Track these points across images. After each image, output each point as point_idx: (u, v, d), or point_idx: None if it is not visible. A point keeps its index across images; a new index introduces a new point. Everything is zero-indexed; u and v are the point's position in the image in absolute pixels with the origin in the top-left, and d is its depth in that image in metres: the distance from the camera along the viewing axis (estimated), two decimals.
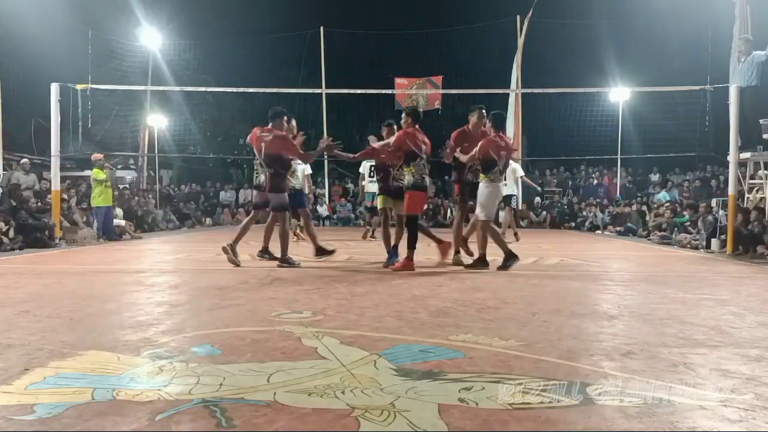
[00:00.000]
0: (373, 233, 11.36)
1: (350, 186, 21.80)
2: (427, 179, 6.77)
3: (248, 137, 6.88)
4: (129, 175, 19.79)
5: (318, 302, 4.34)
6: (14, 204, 9.79)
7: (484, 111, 6.84)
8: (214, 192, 21.22)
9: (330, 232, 14.63)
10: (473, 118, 6.86)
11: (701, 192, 15.72)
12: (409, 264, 6.44)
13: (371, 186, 10.85)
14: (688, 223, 11.55)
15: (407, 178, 6.48)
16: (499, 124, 6.83)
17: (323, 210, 18.49)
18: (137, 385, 2.38)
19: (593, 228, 16.00)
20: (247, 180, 22.67)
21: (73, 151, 13.65)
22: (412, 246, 6.45)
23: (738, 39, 9.80)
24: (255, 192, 7.11)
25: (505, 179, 11.99)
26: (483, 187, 6.51)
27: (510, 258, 6.54)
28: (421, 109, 7.47)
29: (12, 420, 1.99)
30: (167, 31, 18.92)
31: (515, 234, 11.56)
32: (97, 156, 11.56)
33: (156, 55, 18.49)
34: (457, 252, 7.03)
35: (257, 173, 6.91)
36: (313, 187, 12.54)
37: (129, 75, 17.26)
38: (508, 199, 11.52)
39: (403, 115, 6.77)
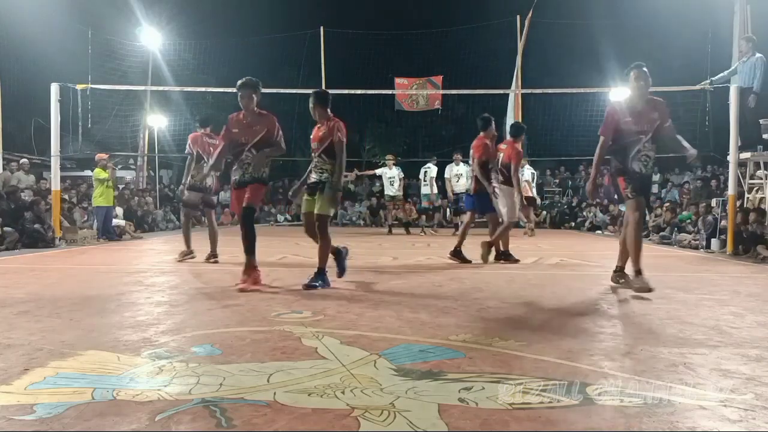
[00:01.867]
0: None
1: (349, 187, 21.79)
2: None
3: (189, 142, 7.46)
4: (129, 175, 19.79)
5: (318, 302, 4.34)
6: (13, 206, 9.79)
7: (644, 69, 5.05)
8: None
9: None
10: (632, 82, 5.04)
11: (701, 192, 15.72)
12: (251, 275, 5.04)
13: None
14: (689, 222, 11.56)
15: (264, 170, 5.31)
16: (517, 132, 7.57)
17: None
18: (137, 385, 2.38)
19: (593, 228, 16.01)
20: None
21: (73, 151, 13.65)
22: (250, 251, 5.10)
23: (741, 38, 9.78)
24: (192, 192, 7.41)
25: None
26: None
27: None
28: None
29: (12, 420, 1.99)
30: (167, 31, 18.92)
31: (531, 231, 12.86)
32: (101, 156, 11.56)
33: (156, 55, 18.49)
34: (636, 271, 4.97)
35: (203, 175, 7.24)
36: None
37: (129, 75, 17.27)
38: (533, 200, 12.34)
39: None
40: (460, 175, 13.08)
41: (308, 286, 5.01)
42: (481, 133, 7.32)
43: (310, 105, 5.29)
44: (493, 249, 7.33)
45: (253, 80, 5.26)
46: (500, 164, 7.26)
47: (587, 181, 5.82)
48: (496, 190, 7.17)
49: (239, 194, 5.23)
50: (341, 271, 5.47)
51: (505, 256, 7.40)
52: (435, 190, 14.35)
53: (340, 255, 5.48)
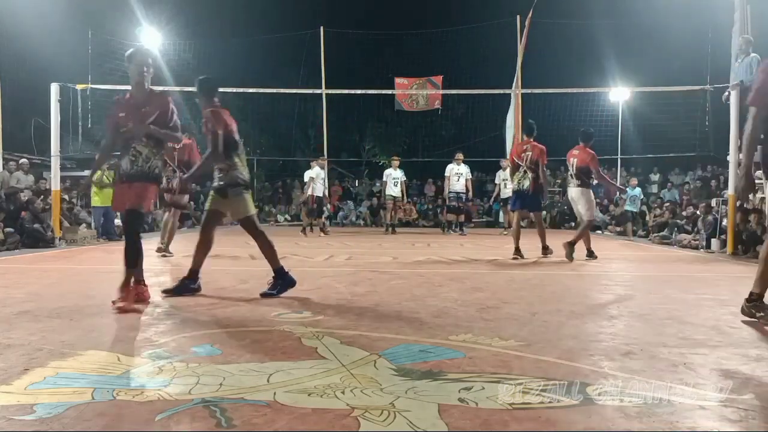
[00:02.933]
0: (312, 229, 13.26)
1: (350, 185, 21.79)
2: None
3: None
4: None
5: (318, 302, 4.33)
6: (12, 207, 9.80)
7: None
8: None
9: (329, 232, 14.62)
10: None
11: (701, 192, 15.72)
12: (130, 293, 4.09)
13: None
14: (686, 222, 11.56)
15: (155, 163, 4.29)
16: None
17: (327, 210, 18.50)
18: (137, 385, 2.38)
19: (593, 228, 16.01)
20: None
21: (73, 151, 13.66)
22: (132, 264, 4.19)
23: (740, 37, 9.79)
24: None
25: (506, 184, 13.03)
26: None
27: None
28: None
29: (12, 420, 1.99)
30: (167, 31, 18.92)
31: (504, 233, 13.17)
32: None
33: (156, 55, 18.49)
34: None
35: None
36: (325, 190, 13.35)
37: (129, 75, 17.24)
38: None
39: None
40: (460, 175, 13.30)
41: (265, 294, 4.55)
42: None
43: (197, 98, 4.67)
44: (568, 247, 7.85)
45: (148, 49, 4.58)
46: (575, 168, 7.92)
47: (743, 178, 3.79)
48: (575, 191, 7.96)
49: (124, 189, 4.19)
50: (278, 288, 4.60)
51: (589, 254, 7.99)
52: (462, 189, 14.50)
53: (283, 275, 4.66)
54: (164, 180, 7.47)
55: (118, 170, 4.26)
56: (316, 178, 12.82)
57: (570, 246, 7.64)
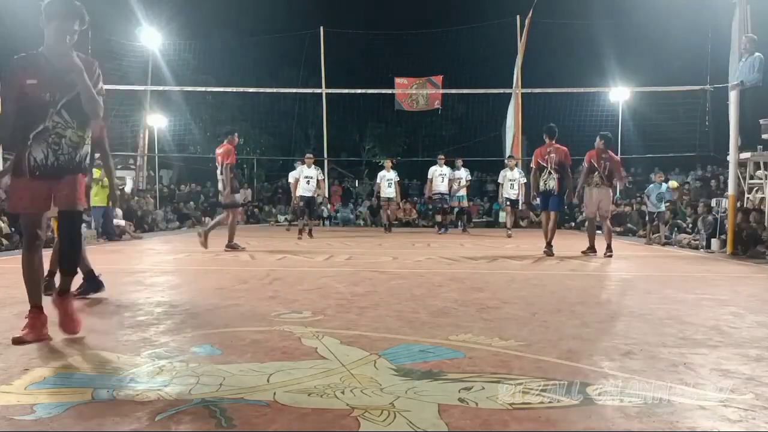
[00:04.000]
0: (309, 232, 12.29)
1: (350, 186, 21.78)
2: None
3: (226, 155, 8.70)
4: (129, 175, 19.80)
5: (318, 302, 4.33)
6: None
7: None
8: (214, 192, 21.22)
9: (329, 232, 14.63)
10: None
11: (701, 192, 15.72)
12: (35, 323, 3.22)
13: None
14: (688, 223, 11.53)
15: (85, 150, 3.39)
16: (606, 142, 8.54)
17: (326, 210, 18.50)
18: (137, 385, 2.38)
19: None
20: (247, 180, 22.66)
21: None
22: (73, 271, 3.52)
23: (744, 36, 9.79)
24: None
25: (513, 185, 13.12)
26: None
27: None
28: None
29: (12, 420, 1.99)
30: (167, 31, 18.91)
31: (509, 234, 12.91)
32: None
33: (156, 55, 18.48)
34: None
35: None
36: (320, 191, 12.96)
37: (129, 75, 17.27)
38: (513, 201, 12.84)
39: None
40: (444, 176, 13.55)
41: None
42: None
43: None
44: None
45: (77, 6, 3.23)
46: (608, 170, 8.33)
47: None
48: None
49: (40, 187, 3.24)
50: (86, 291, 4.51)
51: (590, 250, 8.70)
52: (462, 192, 14.27)
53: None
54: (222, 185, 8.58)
55: (25, 162, 3.18)
56: (300, 178, 12.32)
57: (609, 250, 8.43)
